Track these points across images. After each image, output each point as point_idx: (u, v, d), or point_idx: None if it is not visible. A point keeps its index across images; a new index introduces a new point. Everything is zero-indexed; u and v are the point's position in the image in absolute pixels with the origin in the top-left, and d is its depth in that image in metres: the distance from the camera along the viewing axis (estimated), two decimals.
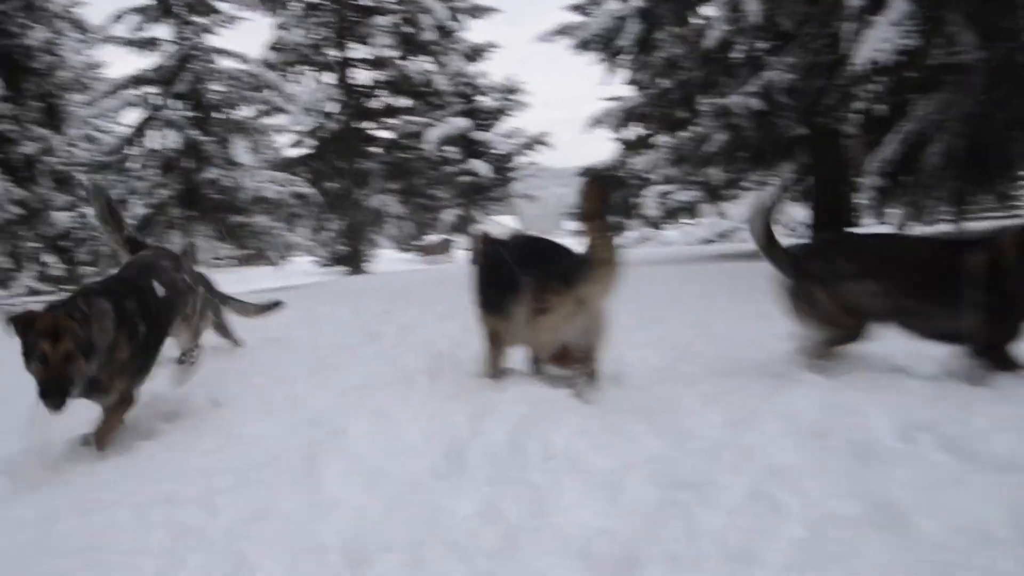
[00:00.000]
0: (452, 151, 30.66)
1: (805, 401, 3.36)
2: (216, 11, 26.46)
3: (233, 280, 42.46)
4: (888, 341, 4.07)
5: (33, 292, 36.46)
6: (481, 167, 29.80)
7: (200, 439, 3.88)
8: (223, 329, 6.71)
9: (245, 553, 2.51)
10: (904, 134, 11.28)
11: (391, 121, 30.46)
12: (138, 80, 25.79)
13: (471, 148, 30.31)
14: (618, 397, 3.80)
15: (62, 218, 29.48)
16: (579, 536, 2.44)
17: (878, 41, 8.53)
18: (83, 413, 4.10)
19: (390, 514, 2.74)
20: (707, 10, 15.39)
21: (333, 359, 5.83)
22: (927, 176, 11.02)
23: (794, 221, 25.60)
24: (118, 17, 25.69)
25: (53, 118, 26.82)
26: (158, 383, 5.26)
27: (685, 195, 21.06)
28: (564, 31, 22.75)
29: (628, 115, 19.78)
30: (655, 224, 23.57)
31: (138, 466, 3.50)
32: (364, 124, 30.72)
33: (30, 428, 3.79)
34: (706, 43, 12.58)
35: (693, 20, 15.51)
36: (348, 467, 3.20)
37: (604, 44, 20.45)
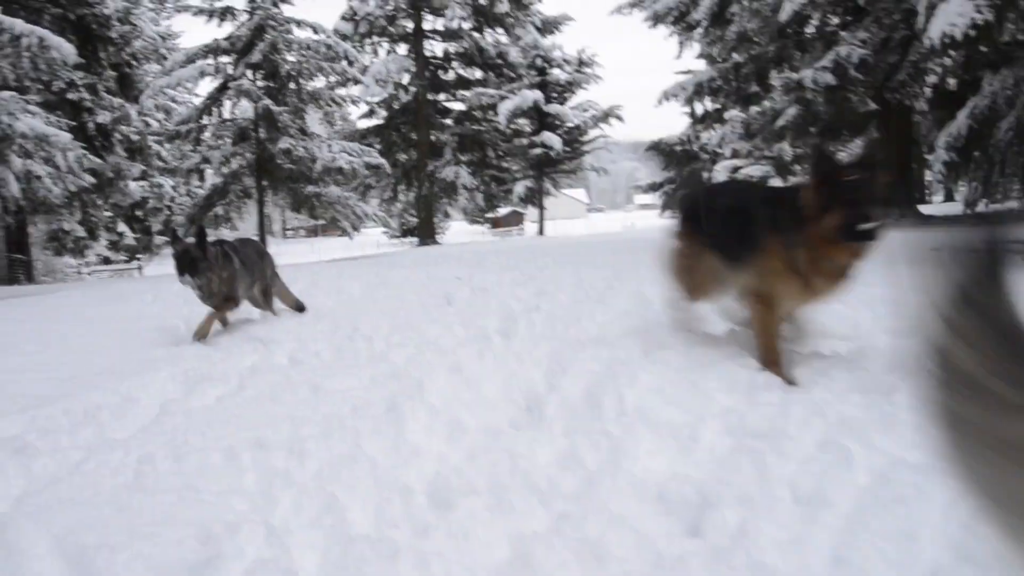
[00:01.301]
0: (524, 124, 30.62)
1: (874, 363, 3.41)
2: None
3: (305, 250, 43.05)
4: None
5: (106, 260, 37.67)
6: (553, 140, 29.71)
7: (285, 392, 4.03)
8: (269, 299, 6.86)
9: (335, 494, 2.63)
10: (975, 110, 11.03)
11: (464, 93, 30.51)
12: (213, 50, 26.22)
13: (543, 121, 30.24)
14: (691, 354, 3.85)
15: (135, 188, 30.26)
16: (654, 481, 2.51)
17: (952, 15, 8.36)
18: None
19: (472, 461, 2.84)
20: None
21: (410, 319, 5.98)
22: (997, 152, 10.75)
23: None
24: None
25: (127, 88, 27.31)
26: (240, 344, 5.51)
27: (756, 169, 20.77)
28: (637, 4, 22.50)
29: (699, 89, 19.55)
30: None
31: (227, 415, 3.65)
32: (438, 96, 30.84)
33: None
34: (781, 16, 12.37)
35: None
36: (429, 418, 3.31)
37: (677, 17, 20.19)
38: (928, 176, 18.94)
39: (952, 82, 11.07)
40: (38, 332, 6.97)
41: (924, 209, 17.23)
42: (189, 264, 5.79)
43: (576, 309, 5.86)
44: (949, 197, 30.73)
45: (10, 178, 14.77)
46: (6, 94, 13.88)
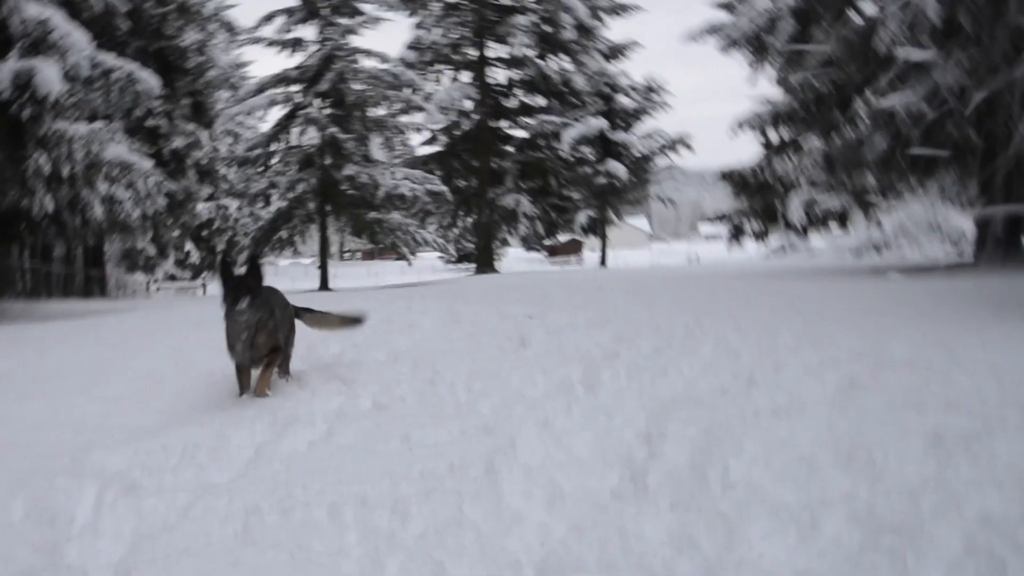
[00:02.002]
0: (588, 151, 30.57)
1: (1006, 447, 3.20)
2: (359, 12, 27.32)
3: (362, 273, 43.80)
4: None
5: (171, 278, 38.69)
6: (618, 169, 29.61)
7: (377, 441, 3.99)
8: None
9: (443, 562, 2.57)
10: None
11: (527, 120, 30.63)
12: (283, 79, 26.90)
13: (608, 149, 30.16)
14: (796, 426, 3.69)
15: (202, 209, 31.05)
16: (779, 574, 2.38)
17: None
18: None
19: (578, 535, 2.75)
20: (867, 7, 14.66)
21: (489, 363, 5.90)
22: None
23: (956, 233, 24.13)
24: (268, 18, 26.84)
25: (200, 114, 28.16)
26: (323, 384, 5.49)
27: (834, 202, 20.28)
28: (712, 30, 22.24)
29: (776, 117, 19.22)
30: (800, 231, 22.84)
31: (323, 465, 3.62)
32: (500, 123, 31.01)
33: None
34: (876, 44, 11.90)
35: (853, 18, 14.78)
36: (526, 481, 3.23)
37: (754, 43, 19.92)
38: None
39: None
40: (129, 358, 7.18)
41: None
42: (248, 293, 4.93)
43: (659, 359, 5.73)
44: None
45: (95, 202, 15.32)
46: (97, 125, 14.52)
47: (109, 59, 14.49)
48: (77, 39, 13.17)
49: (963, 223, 20.69)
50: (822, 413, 3.85)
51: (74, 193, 14.39)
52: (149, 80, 15.11)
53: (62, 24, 13.08)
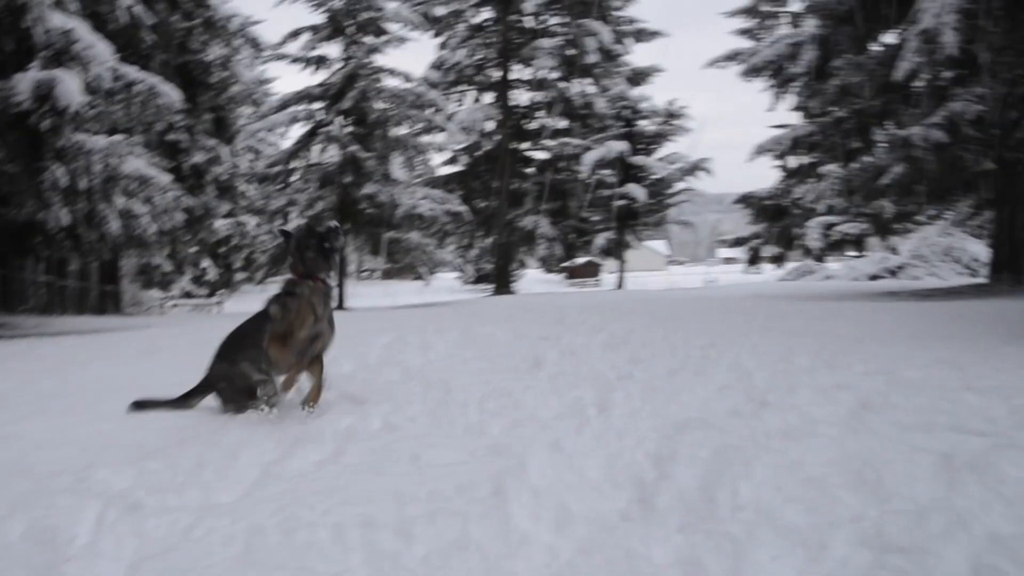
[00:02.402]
0: (608, 174, 30.60)
1: (1014, 466, 3.18)
2: (385, 32, 27.49)
3: (380, 292, 43.80)
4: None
5: (187, 295, 38.85)
6: (637, 192, 29.61)
7: (385, 462, 3.96)
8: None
9: None
10: None
11: (548, 142, 30.73)
12: (305, 96, 27.04)
13: (628, 172, 30.18)
14: (807, 447, 3.66)
15: (221, 225, 31.17)
16: None
17: None
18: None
19: (585, 556, 2.72)
20: (886, 37, 14.84)
21: (502, 384, 5.89)
22: None
23: (970, 258, 24.04)
24: (294, 35, 27.05)
25: (222, 130, 28.34)
26: (338, 402, 5.50)
27: (851, 227, 20.28)
28: (734, 57, 22.39)
29: (796, 143, 19.26)
30: (818, 256, 22.81)
31: (330, 485, 3.60)
32: (521, 144, 31.13)
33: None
34: (896, 74, 12.04)
35: (873, 47, 14.95)
36: (534, 502, 3.20)
37: (775, 71, 19.99)
38: None
39: None
40: (138, 376, 7.12)
41: None
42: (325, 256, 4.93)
43: (673, 381, 5.71)
44: None
45: (112, 216, 15.38)
46: (116, 138, 14.55)
47: (131, 72, 14.63)
48: (100, 51, 13.23)
49: (977, 248, 20.57)
50: (833, 435, 3.83)
51: (91, 207, 14.42)
52: (171, 94, 15.23)
53: (86, 35, 13.15)
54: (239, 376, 5.03)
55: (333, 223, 5.19)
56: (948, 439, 3.64)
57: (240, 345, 5.09)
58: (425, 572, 2.65)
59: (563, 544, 2.86)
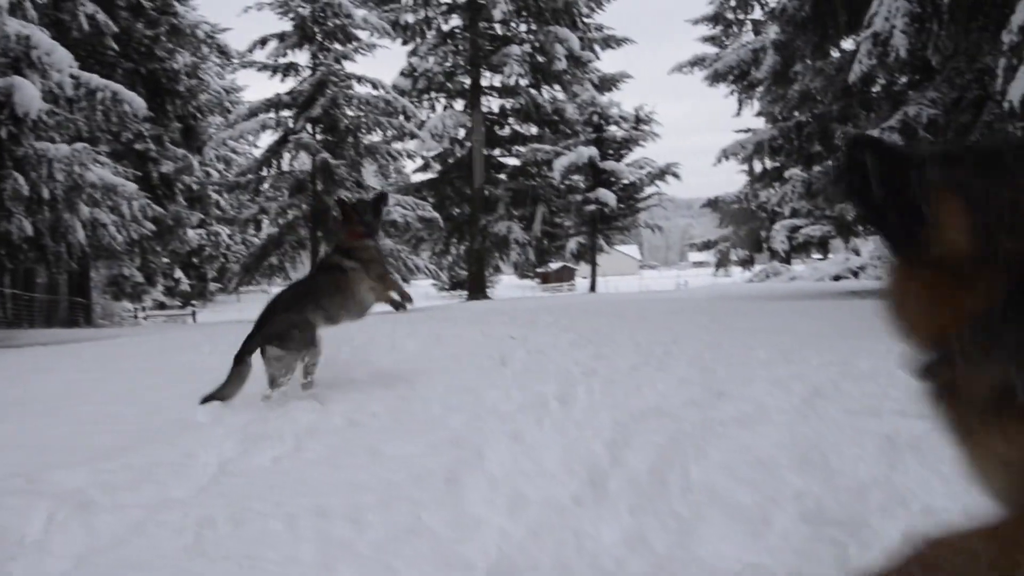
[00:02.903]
0: (579, 180, 30.75)
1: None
2: (354, 38, 27.47)
3: None
4: None
5: (160, 305, 38.48)
6: (607, 197, 29.77)
7: (343, 455, 4.00)
8: None
9: (396, 569, 2.58)
10: None
11: (519, 148, 30.84)
12: (275, 104, 26.92)
13: (598, 177, 30.33)
14: (758, 433, 3.75)
15: (193, 236, 30.94)
16: (728, 570, 2.42)
17: None
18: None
19: (535, 538, 2.77)
20: (846, 43, 15.14)
21: (467, 381, 5.94)
22: None
23: None
24: (262, 43, 26.96)
25: (191, 139, 28.14)
26: (300, 400, 5.52)
27: (815, 230, 20.55)
28: (698, 63, 22.64)
29: (760, 148, 19.50)
30: (784, 258, 23.07)
31: (286, 479, 3.63)
32: (493, 150, 31.21)
33: None
34: (850, 77, 12.29)
35: (832, 53, 15.24)
36: (490, 489, 3.25)
37: (738, 76, 20.28)
38: None
39: None
40: (104, 381, 7.11)
41: None
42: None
43: (635, 375, 5.78)
44: None
45: (77, 226, 15.24)
46: (79, 146, 14.38)
47: (94, 79, 14.50)
48: (60, 57, 13.08)
49: None
50: (784, 421, 3.91)
51: (55, 216, 14.26)
52: (135, 101, 15.13)
53: (45, 41, 13.00)
54: (307, 324, 5.53)
55: (382, 190, 5.70)
56: (893, 423, 3.75)
57: (307, 299, 5.61)
58: (375, 556, 2.68)
59: (515, 528, 2.90)
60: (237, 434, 4.53)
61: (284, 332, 5.52)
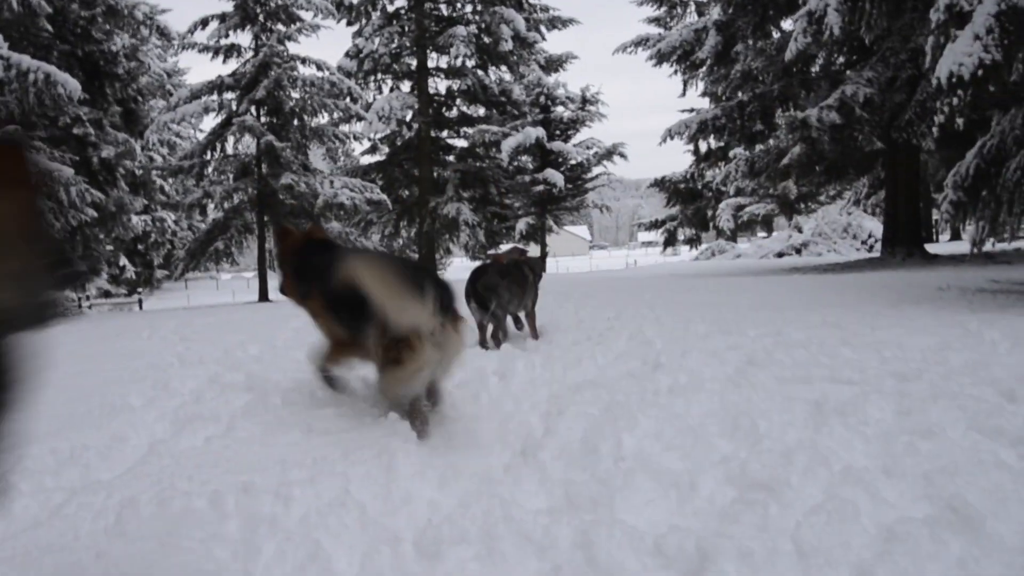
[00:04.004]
0: (527, 160, 30.70)
1: (877, 409, 3.36)
2: (296, 19, 27.00)
3: None
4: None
5: (106, 294, 37.66)
6: (556, 177, 29.79)
7: (276, 434, 3.95)
8: None
9: (320, 542, 2.55)
10: (983, 149, 11.01)
11: (467, 130, 30.66)
12: (217, 86, 26.35)
13: (546, 158, 30.31)
14: (691, 401, 3.77)
15: (137, 222, 30.31)
16: (653, 533, 2.43)
17: (960, 55, 8.31)
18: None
19: (464, 509, 2.76)
20: (787, 24, 15.31)
21: None
22: (1006, 191, 10.71)
23: (867, 234, 25.02)
24: (203, 24, 26.35)
25: (132, 123, 27.46)
26: (237, 378, 5.45)
27: (759, 208, 20.82)
28: (642, 43, 22.70)
29: (703, 127, 19.63)
30: (730, 236, 23.31)
31: (215, 457, 3.57)
32: (441, 132, 30.99)
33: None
34: (786, 56, 12.44)
35: (773, 34, 15.41)
36: (422, 463, 3.23)
37: (681, 56, 20.38)
38: (935, 215, 18.89)
39: (960, 122, 10.99)
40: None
41: (931, 248, 17.25)
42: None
43: (575, 350, 5.80)
44: (956, 236, 30.77)
45: None
46: (10, 128, 13.92)
47: (25, 60, 14.03)
48: None
49: (873, 225, 21.38)
50: (717, 390, 3.95)
51: None
52: (69, 82, 14.67)
53: None
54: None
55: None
56: (822, 389, 3.81)
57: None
58: (301, 531, 2.65)
59: (445, 499, 2.89)
60: (170, 416, 4.46)
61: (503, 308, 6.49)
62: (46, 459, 3.65)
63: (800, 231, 28.00)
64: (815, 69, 13.81)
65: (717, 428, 3.31)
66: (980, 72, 8.05)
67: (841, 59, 14.10)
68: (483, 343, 6.39)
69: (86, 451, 3.78)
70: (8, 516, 2.91)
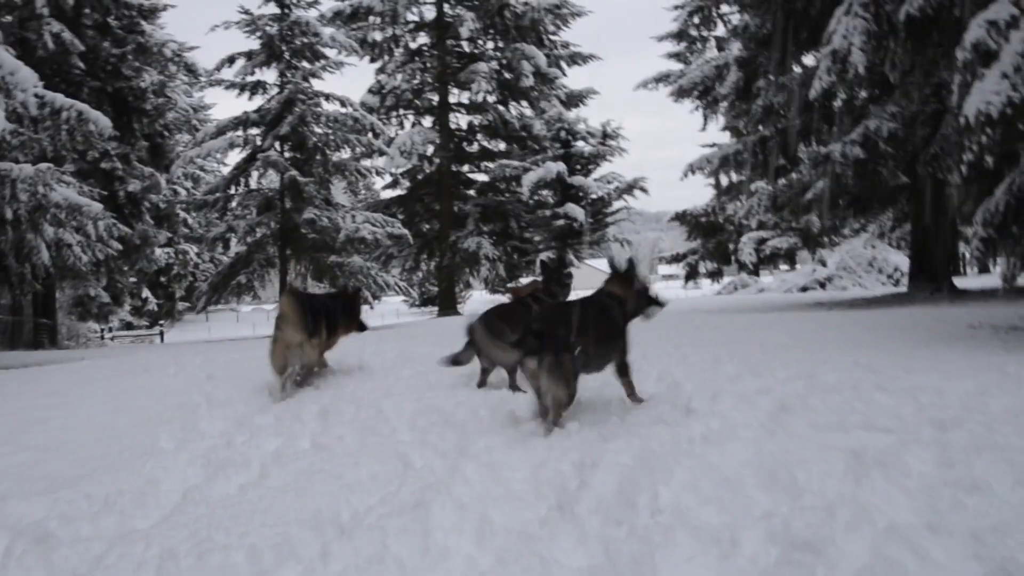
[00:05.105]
0: (547, 195, 30.78)
1: (917, 460, 3.31)
2: (321, 56, 27.37)
3: None
4: None
5: (128, 326, 37.96)
6: (576, 211, 29.83)
7: (309, 482, 3.93)
8: None
9: None
10: (1013, 185, 10.90)
11: (488, 164, 30.82)
12: (243, 122, 26.70)
13: (566, 192, 30.36)
14: (725, 451, 3.74)
15: (160, 255, 30.63)
16: None
17: (988, 93, 8.22)
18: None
19: (502, 566, 2.74)
20: (807, 59, 15.34)
21: (434, 401, 5.88)
22: None
23: (892, 268, 24.86)
24: (229, 61, 26.75)
25: (158, 157, 27.83)
26: (265, 421, 5.46)
27: (782, 242, 20.75)
28: (662, 79, 22.76)
29: (725, 162, 19.63)
30: (752, 270, 23.21)
31: (251, 508, 3.55)
32: (462, 167, 31.17)
33: None
34: (811, 93, 12.45)
35: (794, 69, 15.44)
36: (457, 515, 3.20)
37: (702, 92, 20.47)
38: (962, 248, 18.72)
39: (989, 160, 10.90)
40: (64, 406, 6.91)
41: (958, 282, 17.08)
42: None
43: (602, 393, 5.77)
44: (984, 269, 30.49)
45: (42, 246, 15.02)
46: (43, 166, 14.13)
47: (59, 98, 14.28)
48: (24, 76, 12.80)
49: (899, 259, 21.24)
50: (751, 437, 3.90)
51: (19, 237, 13.99)
52: (100, 120, 14.89)
53: (9, 61, 12.73)
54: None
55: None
56: (859, 437, 3.76)
57: None
58: None
59: (482, 555, 2.87)
60: (201, 460, 4.46)
61: None
62: (81, 505, 3.66)
63: (824, 265, 27.84)
64: (837, 104, 13.78)
65: (754, 479, 3.27)
66: (1009, 110, 7.96)
67: (864, 93, 14.08)
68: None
69: (121, 496, 3.78)
70: (50, 565, 2.92)
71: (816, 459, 3.43)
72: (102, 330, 33.68)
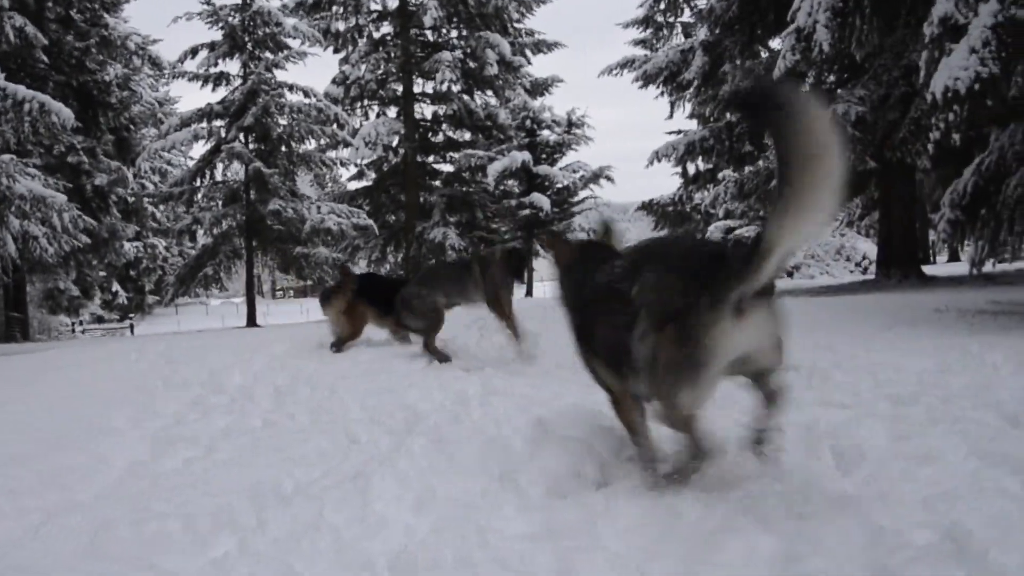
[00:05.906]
0: (513, 185, 30.78)
1: (871, 433, 3.35)
2: (284, 47, 27.19)
3: (294, 310, 42.93)
4: None
5: (99, 319, 37.65)
6: (542, 201, 29.87)
7: (255, 456, 3.94)
8: None
9: (293, 566, 2.52)
10: (981, 166, 10.90)
11: (453, 155, 30.73)
12: (206, 114, 26.51)
13: (532, 182, 30.40)
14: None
15: (129, 248, 30.41)
16: (635, 558, 2.40)
17: (955, 69, 8.11)
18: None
19: (440, 534, 2.72)
20: (775, 43, 15.36)
21: (388, 382, 5.88)
22: (1006, 209, 10.57)
23: (861, 256, 25.13)
24: (193, 53, 26.52)
25: (125, 151, 27.64)
26: (220, 400, 5.44)
27: (750, 229, 20.85)
28: (628, 64, 22.80)
29: (691, 149, 19.70)
30: None
31: (193, 480, 3.57)
32: (427, 157, 31.06)
33: None
34: (774, 74, 12.41)
35: (761, 53, 15.46)
36: (399, 487, 3.18)
37: (668, 78, 20.52)
38: (932, 235, 18.90)
39: (956, 138, 10.82)
40: (23, 391, 6.91)
41: (927, 269, 17.21)
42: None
43: (560, 373, 5.78)
44: (954, 256, 30.80)
45: (8, 238, 14.87)
46: (6, 157, 14.08)
47: (20, 90, 14.18)
48: None
49: (867, 246, 21.47)
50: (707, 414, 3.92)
51: None
52: (63, 112, 14.81)
53: None
54: None
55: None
56: (813, 412, 3.80)
57: None
58: (274, 554, 2.62)
59: (421, 523, 2.85)
60: (150, 438, 4.46)
61: None
62: (29, 480, 3.66)
63: (792, 253, 28.04)
64: (805, 88, 13.82)
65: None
66: (977, 86, 7.90)
67: (832, 77, 14.10)
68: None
69: (68, 472, 3.80)
70: None
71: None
72: (73, 323, 33.42)
